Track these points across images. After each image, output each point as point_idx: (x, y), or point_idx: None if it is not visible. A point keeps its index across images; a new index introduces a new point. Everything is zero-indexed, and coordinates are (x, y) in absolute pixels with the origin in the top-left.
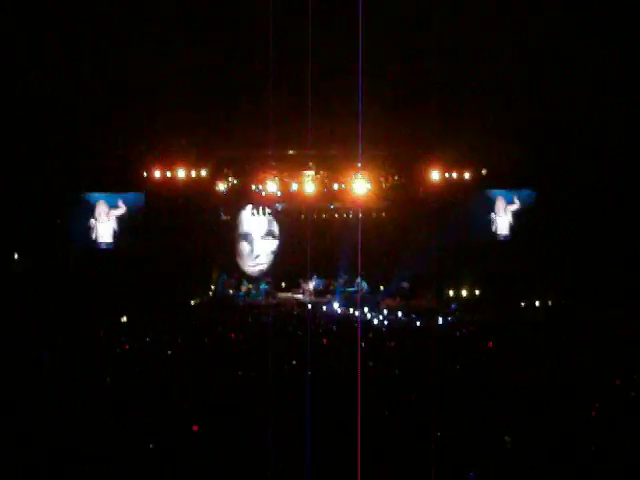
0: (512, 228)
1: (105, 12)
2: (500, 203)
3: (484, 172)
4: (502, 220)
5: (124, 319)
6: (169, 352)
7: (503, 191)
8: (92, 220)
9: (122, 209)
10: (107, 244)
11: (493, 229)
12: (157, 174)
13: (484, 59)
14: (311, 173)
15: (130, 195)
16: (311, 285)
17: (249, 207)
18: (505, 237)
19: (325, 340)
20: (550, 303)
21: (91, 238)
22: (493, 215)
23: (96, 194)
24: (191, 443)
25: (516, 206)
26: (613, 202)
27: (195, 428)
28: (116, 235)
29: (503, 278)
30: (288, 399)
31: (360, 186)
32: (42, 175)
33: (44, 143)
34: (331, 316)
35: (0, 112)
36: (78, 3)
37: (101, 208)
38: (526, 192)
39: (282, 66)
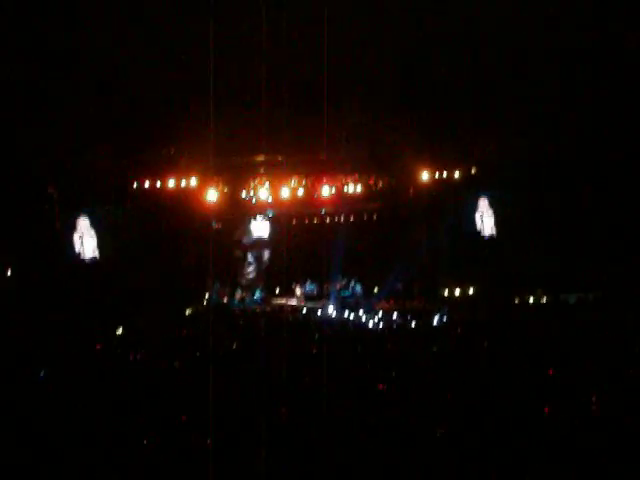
0: (498, 227)
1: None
2: (484, 203)
3: (473, 171)
4: (487, 220)
5: (119, 331)
6: (167, 363)
7: (487, 192)
8: (80, 235)
9: (112, 221)
10: (97, 258)
11: (479, 229)
12: (146, 185)
13: (472, 58)
14: (301, 179)
15: (119, 207)
16: (305, 290)
17: (240, 215)
18: (491, 236)
19: (320, 345)
20: (545, 300)
21: (81, 253)
22: (479, 215)
23: (84, 208)
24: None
25: (498, 206)
26: (594, 201)
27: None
28: (107, 248)
29: (495, 276)
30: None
31: (350, 190)
32: (27, 193)
33: (27, 156)
34: (326, 321)
35: None
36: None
37: (88, 222)
38: (516, 192)
39: (270, 72)
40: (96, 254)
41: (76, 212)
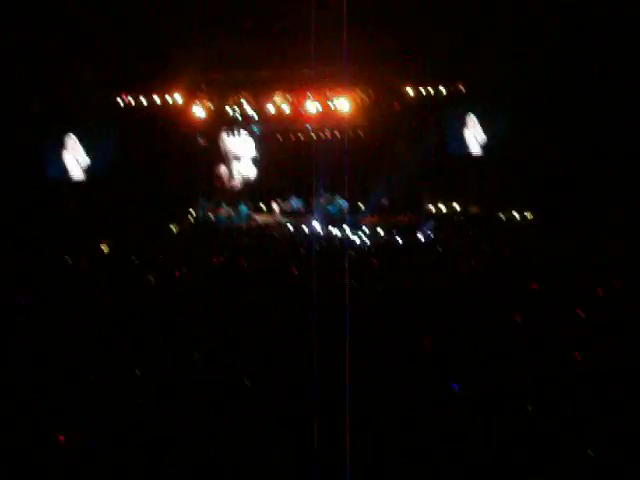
0: (485, 143)
1: None
2: (471, 119)
3: (461, 86)
4: (474, 135)
5: (105, 249)
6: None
7: (475, 106)
8: (65, 153)
9: (96, 138)
10: (83, 176)
11: (469, 143)
12: (130, 101)
13: None
14: (285, 94)
15: (104, 124)
16: (290, 206)
17: (225, 130)
18: (478, 152)
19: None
20: (529, 216)
21: (65, 171)
22: (466, 130)
23: (67, 125)
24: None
25: (485, 120)
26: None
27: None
28: (92, 166)
29: (481, 192)
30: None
31: (337, 105)
32: (10, 112)
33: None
34: (312, 235)
35: None
36: None
37: (73, 140)
38: (503, 106)
39: None
40: (86, 171)
41: (62, 129)
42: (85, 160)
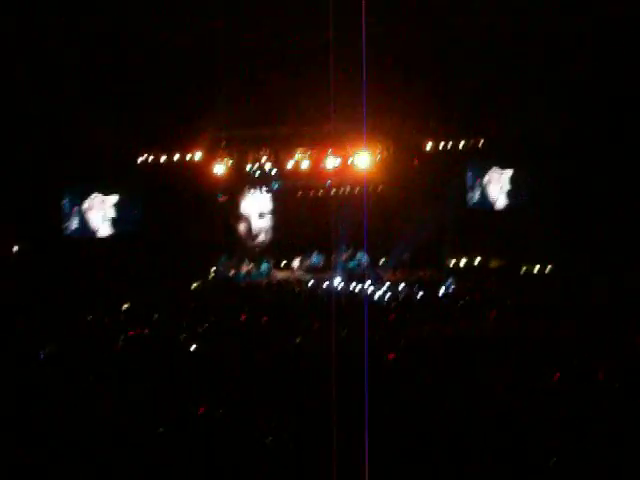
0: (507, 197)
1: None
2: (494, 173)
3: (480, 143)
4: (497, 189)
5: (126, 306)
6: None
7: (497, 160)
8: (87, 209)
9: (116, 196)
10: (103, 232)
11: (488, 198)
12: (151, 159)
13: (479, 26)
14: (306, 150)
15: (124, 181)
16: (311, 262)
17: (246, 187)
18: (500, 206)
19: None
20: (549, 268)
21: (88, 227)
22: (488, 185)
23: (90, 183)
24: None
25: (509, 175)
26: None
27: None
28: (111, 223)
29: (502, 246)
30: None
31: (357, 161)
32: (35, 167)
33: (35, 133)
34: (332, 292)
35: None
36: None
37: (95, 196)
38: (523, 160)
39: (274, 41)
40: (106, 229)
41: (87, 187)
42: (108, 218)
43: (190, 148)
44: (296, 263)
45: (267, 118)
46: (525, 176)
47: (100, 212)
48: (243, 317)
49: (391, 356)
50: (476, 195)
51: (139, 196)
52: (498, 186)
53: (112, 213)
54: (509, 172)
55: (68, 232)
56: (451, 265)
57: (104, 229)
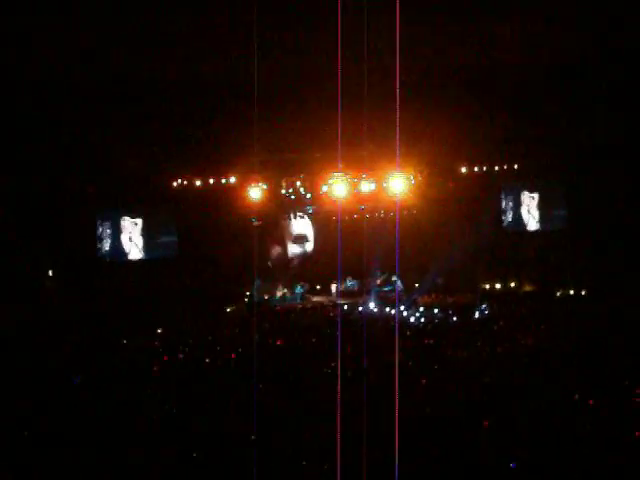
0: (540, 220)
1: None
2: (526, 196)
3: (516, 167)
4: (529, 213)
5: (159, 330)
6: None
7: (528, 184)
8: (121, 234)
9: (150, 221)
10: (137, 256)
11: (524, 222)
12: (186, 182)
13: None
14: (340, 175)
15: (158, 206)
16: (345, 286)
17: (280, 212)
18: (533, 229)
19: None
20: (584, 293)
21: (122, 252)
22: (522, 208)
23: (124, 207)
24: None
25: (539, 198)
26: None
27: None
28: (146, 248)
29: (536, 270)
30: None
31: (392, 185)
32: (67, 192)
33: (67, 158)
34: (368, 316)
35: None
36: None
37: (129, 221)
38: (557, 184)
39: (307, 64)
40: (142, 254)
41: (120, 212)
42: (142, 243)
43: (224, 173)
44: (331, 288)
45: (301, 142)
46: (559, 199)
47: (135, 236)
48: (279, 342)
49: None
50: (509, 218)
51: (173, 220)
52: (531, 209)
53: (147, 237)
54: (542, 195)
55: (102, 255)
56: (485, 289)
57: (138, 253)
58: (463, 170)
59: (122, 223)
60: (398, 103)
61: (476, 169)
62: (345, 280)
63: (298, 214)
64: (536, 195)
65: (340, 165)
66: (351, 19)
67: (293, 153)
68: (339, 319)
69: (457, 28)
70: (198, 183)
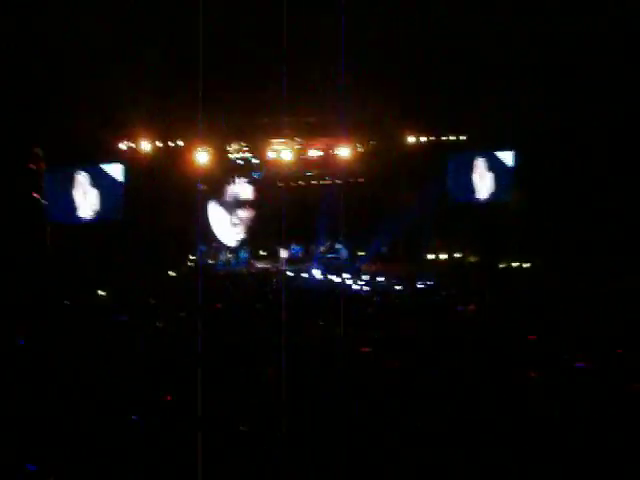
0: (493, 190)
1: None
2: (480, 165)
3: (464, 137)
4: (482, 182)
5: (102, 292)
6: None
7: (483, 152)
8: (72, 194)
9: (98, 181)
10: (86, 218)
11: (473, 191)
12: (134, 145)
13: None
14: (288, 140)
15: (107, 167)
16: (290, 253)
17: (226, 176)
18: (485, 199)
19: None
20: (529, 265)
21: (70, 212)
22: (474, 177)
23: (75, 166)
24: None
25: (493, 168)
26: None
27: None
28: (95, 208)
29: (483, 241)
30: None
31: (338, 152)
32: (18, 148)
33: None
34: (311, 283)
35: None
36: None
37: (80, 181)
38: (507, 153)
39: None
40: (89, 213)
41: (73, 169)
42: (90, 202)
43: (172, 136)
44: (275, 254)
45: (249, 108)
46: (505, 170)
47: (85, 197)
48: (217, 306)
49: (365, 349)
50: (457, 189)
51: (120, 181)
52: (479, 180)
53: (93, 199)
54: (490, 165)
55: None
56: (431, 259)
57: (84, 214)
58: (411, 139)
59: (77, 177)
60: (344, 70)
61: (424, 139)
62: (289, 246)
63: (244, 179)
64: (484, 165)
65: (288, 131)
66: None
67: (242, 118)
68: (281, 285)
69: None
70: (145, 146)
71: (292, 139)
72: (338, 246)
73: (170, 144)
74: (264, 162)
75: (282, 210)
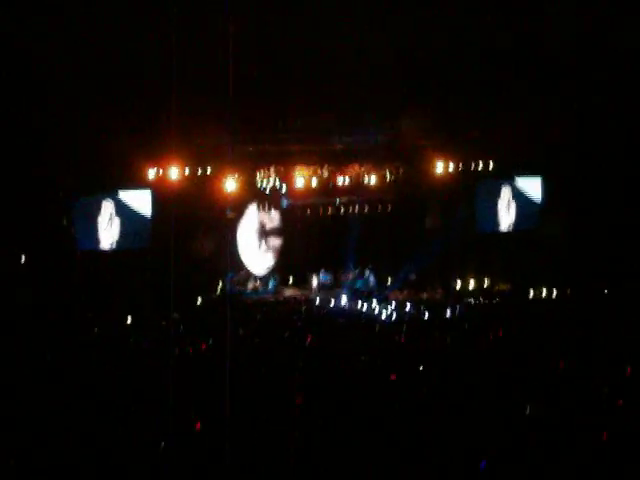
0: (518, 218)
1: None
2: (505, 193)
3: (492, 165)
4: (507, 210)
5: (129, 320)
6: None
7: (508, 181)
8: (97, 221)
9: (127, 209)
10: (113, 245)
11: (499, 219)
12: (162, 172)
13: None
14: (316, 168)
15: (135, 194)
16: (318, 280)
17: (255, 204)
18: (511, 227)
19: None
20: (555, 293)
21: (96, 240)
22: (499, 205)
23: (100, 194)
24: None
25: (521, 195)
26: (621, 191)
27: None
28: (122, 236)
29: (510, 268)
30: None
31: (366, 180)
32: (44, 176)
33: (45, 142)
34: (339, 311)
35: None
36: None
37: (106, 208)
38: (533, 181)
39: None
40: (117, 240)
41: (99, 197)
42: (116, 230)
43: (200, 163)
44: (303, 281)
45: (278, 134)
46: (534, 197)
47: (110, 224)
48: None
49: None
50: (485, 216)
51: (147, 208)
52: (508, 208)
53: (122, 224)
54: (518, 193)
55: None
56: (458, 287)
57: (110, 242)
58: (440, 167)
59: (100, 211)
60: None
61: (453, 167)
62: (318, 274)
63: (273, 206)
64: (512, 193)
65: (317, 159)
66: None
67: (270, 145)
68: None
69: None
70: (174, 172)
71: (321, 166)
72: (366, 273)
73: (199, 171)
74: (292, 189)
75: (311, 238)
